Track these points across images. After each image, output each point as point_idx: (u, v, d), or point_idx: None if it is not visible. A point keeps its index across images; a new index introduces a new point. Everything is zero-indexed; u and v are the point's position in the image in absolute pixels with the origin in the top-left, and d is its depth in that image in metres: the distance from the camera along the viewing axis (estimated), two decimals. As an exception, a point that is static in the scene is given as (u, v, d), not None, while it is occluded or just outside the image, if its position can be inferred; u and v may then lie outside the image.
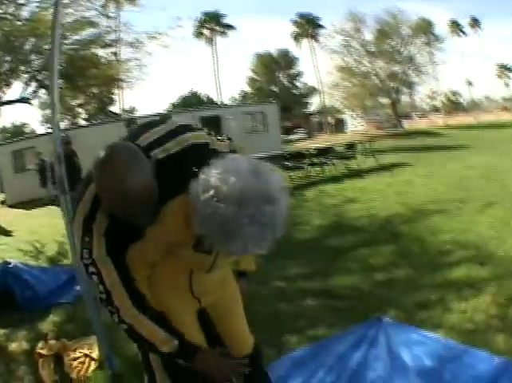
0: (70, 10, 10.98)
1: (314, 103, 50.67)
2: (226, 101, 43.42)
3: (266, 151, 12.83)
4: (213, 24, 43.31)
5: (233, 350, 1.62)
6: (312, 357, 2.61)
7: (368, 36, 34.48)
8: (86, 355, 2.60)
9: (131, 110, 41.71)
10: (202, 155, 1.34)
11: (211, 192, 1.13)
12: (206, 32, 43.58)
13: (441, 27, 53.58)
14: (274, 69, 50.76)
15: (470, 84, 53.80)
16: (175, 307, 1.47)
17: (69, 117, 35.99)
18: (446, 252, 4.63)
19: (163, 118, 1.50)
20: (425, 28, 36.12)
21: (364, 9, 37.09)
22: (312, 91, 50.70)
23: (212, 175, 1.16)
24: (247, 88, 52.41)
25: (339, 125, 42.68)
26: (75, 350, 2.66)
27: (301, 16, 46.47)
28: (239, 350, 1.65)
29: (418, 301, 3.49)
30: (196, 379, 1.47)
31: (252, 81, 51.92)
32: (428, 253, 4.68)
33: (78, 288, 3.61)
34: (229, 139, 1.59)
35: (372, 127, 37.55)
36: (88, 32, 12.87)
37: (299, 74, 51.84)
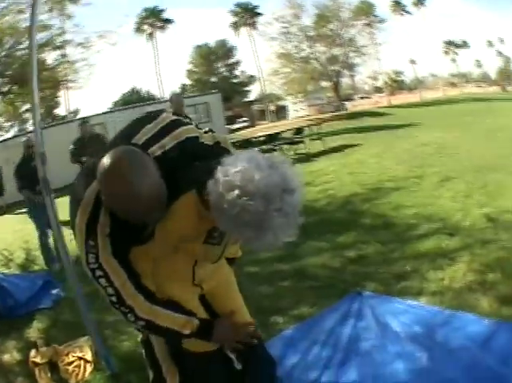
0: (26, 15, 10.93)
1: (254, 91, 54.59)
2: (168, 96, 46.53)
3: None
4: (153, 19, 46.29)
5: None
6: (303, 335, 2.76)
7: (308, 21, 37.42)
8: (80, 358, 2.77)
9: (76, 112, 42.08)
10: (195, 149, 1.56)
11: (237, 191, 1.25)
12: (146, 28, 46.49)
13: (383, 8, 57.47)
14: (213, 60, 54.50)
15: (413, 62, 58.26)
16: (179, 296, 1.62)
17: (18, 123, 36.17)
18: (411, 226, 4.93)
19: (153, 114, 1.62)
20: (366, 10, 39.36)
21: None
22: (251, 79, 54.82)
23: (234, 175, 1.27)
24: (187, 81, 56.06)
25: (280, 112, 45.46)
26: (67, 355, 2.83)
27: (239, 5, 49.67)
28: None
29: (394, 273, 3.70)
30: (201, 366, 1.70)
31: (191, 74, 55.59)
32: (394, 228, 4.96)
33: (55, 292, 4.08)
34: (211, 131, 1.73)
35: (314, 111, 39.74)
36: (40, 35, 12.98)
37: (237, 63, 55.81)
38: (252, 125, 38.35)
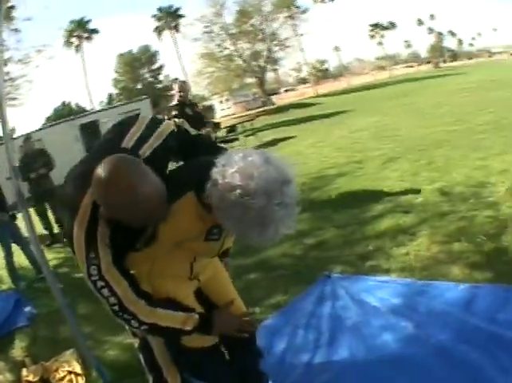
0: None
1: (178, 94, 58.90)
2: (97, 107, 49.93)
3: None
4: (80, 31, 50.61)
5: None
6: (285, 322, 2.90)
7: (229, 18, 41.62)
8: (70, 372, 2.95)
9: (13, 130, 42.01)
10: (181, 141, 1.80)
11: (238, 191, 1.36)
12: (74, 40, 50.71)
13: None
14: (137, 67, 60.42)
15: (337, 49, 62.12)
16: (176, 292, 1.79)
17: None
18: (365, 208, 5.22)
19: (130, 117, 1.80)
20: (287, 2, 42.85)
21: None
22: (175, 83, 56.49)
23: (232, 175, 1.39)
24: (114, 90, 61.79)
25: (208, 112, 48.39)
26: (57, 370, 3.02)
27: (161, 9, 54.64)
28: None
29: (358, 254, 3.90)
30: (200, 365, 1.90)
31: (117, 82, 61.18)
32: (347, 212, 5.22)
33: (27, 310, 4.43)
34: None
35: (240, 108, 42.03)
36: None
37: (161, 68, 62.16)
38: None
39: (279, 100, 43.15)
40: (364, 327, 2.64)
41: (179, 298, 1.77)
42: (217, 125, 14.70)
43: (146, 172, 1.47)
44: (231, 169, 1.41)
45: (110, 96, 62.47)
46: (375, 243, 4.05)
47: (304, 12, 44.96)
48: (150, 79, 61.73)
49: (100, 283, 1.56)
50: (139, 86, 59.40)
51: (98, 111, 29.18)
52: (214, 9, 39.81)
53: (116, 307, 1.58)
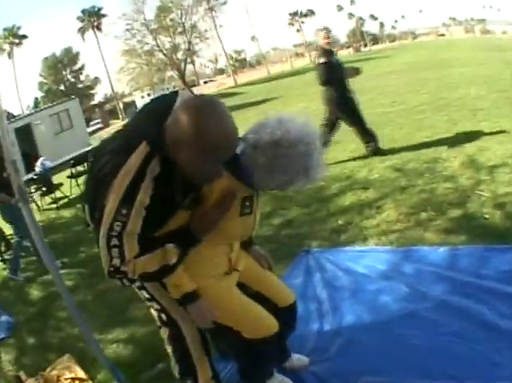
0: None
1: (100, 92, 65.21)
2: (25, 111, 52.35)
3: (80, 147, 15.30)
4: (10, 37, 56.10)
5: (280, 301, 2.19)
6: None
7: (150, 15, 44.61)
8: (74, 379, 2.92)
9: None
10: None
11: (281, 143, 1.66)
12: (6, 47, 56.78)
13: None
14: (60, 69, 66.82)
15: (254, 39, 64.78)
16: (226, 290, 1.97)
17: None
18: (322, 187, 5.55)
19: (162, 98, 1.90)
20: None
21: None
22: (96, 81, 69.55)
23: (271, 134, 1.68)
24: (39, 94, 66.79)
25: (130, 108, 52.13)
26: (59, 379, 2.95)
27: (84, 11, 59.52)
28: (286, 299, 2.22)
29: (329, 229, 4.21)
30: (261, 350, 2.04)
31: (41, 85, 66.87)
32: (306, 192, 5.50)
33: (4, 319, 4.24)
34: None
35: None
36: None
37: (82, 68, 69.05)
38: (106, 126, 43.54)
39: (199, 91, 44.86)
40: (360, 293, 2.93)
41: (235, 299, 1.98)
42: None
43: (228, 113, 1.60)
44: (267, 129, 1.70)
45: (36, 99, 68.23)
46: (343, 218, 4.38)
47: (223, 4, 49.29)
48: (72, 80, 68.20)
49: (115, 242, 1.62)
50: (62, 88, 65.27)
51: (30, 114, 29.79)
52: (135, 6, 43.09)
53: (113, 269, 1.67)
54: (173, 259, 1.71)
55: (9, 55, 56.92)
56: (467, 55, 23.13)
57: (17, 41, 56.98)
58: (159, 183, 1.60)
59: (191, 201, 1.77)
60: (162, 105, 1.74)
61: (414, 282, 2.89)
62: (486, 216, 3.66)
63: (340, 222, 4.32)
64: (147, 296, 2.02)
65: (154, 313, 2.13)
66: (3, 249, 6.76)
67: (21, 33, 57.93)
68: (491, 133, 6.01)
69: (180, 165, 1.61)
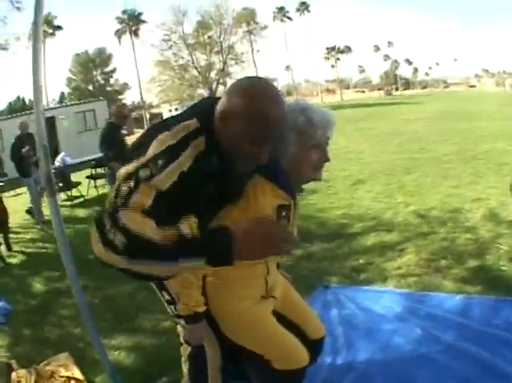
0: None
1: (128, 99, 65.68)
2: (50, 104, 51.18)
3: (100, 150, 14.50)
4: (44, 26, 51.27)
5: (312, 332, 2.11)
6: None
7: (189, 28, 45.61)
8: (69, 378, 2.85)
9: None
10: None
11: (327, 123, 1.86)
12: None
13: (266, 14, 67.01)
14: (91, 68, 66.61)
15: (288, 68, 65.65)
16: (262, 315, 1.90)
17: None
18: (346, 225, 5.73)
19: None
20: (248, 17, 47.27)
21: (187, 2, 52.43)
22: (125, 87, 69.41)
23: (313, 116, 1.83)
24: (66, 89, 67.66)
25: (156, 119, 52.12)
26: (53, 375, 2.88)
27: (125, 12, 58.65)
28: (318, 332, 2.16)
29: (350, 266, 4.35)
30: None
31: (70, 81, 67.25)
32: (330, 227, 5.71)
33: (1, 305, 4.31)
34: None
35: None
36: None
37: (113, 71, 68.74)
38: (130, 133, 43.22)
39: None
40: (375, 332, 3.05)
41: (270, 326, 1.90)
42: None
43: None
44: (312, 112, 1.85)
45: (62, 94, 68.19)
46: (365, 258, 4.52)
47: (263, 28, 49.56)
48: (101, 81, 67.75)
49: (131, 183, 1.41)
50: (90, 87, 64.81)
51: (55, 107, 30.33)
52: (175, 17, 43.73)
53: (108, 209, 1.42)
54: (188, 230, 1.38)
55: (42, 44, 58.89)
56: (496, 109, 23.30)
57: (50, 30, 55.33)
58: (200, 162, 1.45)
59: (228, 194, 1.64)
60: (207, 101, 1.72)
61: (428, 325, 3.01)
62: (503, 268, 3.79)
63: (361, 261, 4.46)
64: (176, 312, 1.90)
65: (180, 329, 2.10)
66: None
67: (56, 23, 56.66)
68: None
69: (224, 143, 1.51)
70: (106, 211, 1.40)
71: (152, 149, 1.44)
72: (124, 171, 1.45)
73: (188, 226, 1.38)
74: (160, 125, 1.63)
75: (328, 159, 1.90)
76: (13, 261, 6.22)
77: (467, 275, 3.83)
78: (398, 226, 5.42)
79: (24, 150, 8.26)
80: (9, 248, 6.56)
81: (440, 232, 4.97)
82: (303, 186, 2.06)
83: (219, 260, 1.41)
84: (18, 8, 12.32)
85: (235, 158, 1.53)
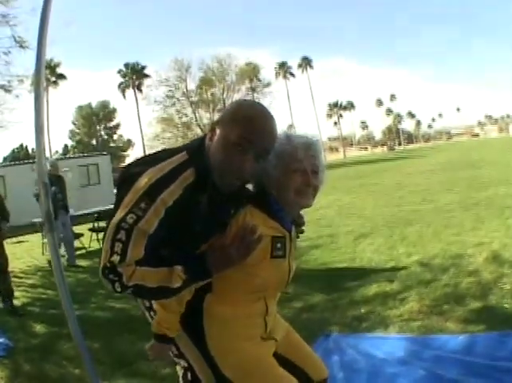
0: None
1: (131, 155, 66.95)
2: (53, 156, 52.36)
3: (102, 204, 14.90)
4: (47, 73, 51.98)
5: (315, 374, 2.10)
6: None
7: (192, 84, 45.72)
8: None
9: None
10: None
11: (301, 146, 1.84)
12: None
13: (269, 71, 69.56)
14: (94, 122, 68.25)
15: (291, 127, 67.83)
16: (263, 357, 1.89)
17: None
18: (348, 277, 5.77)
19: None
20: (251, 73, 47.87)
21: (190, 56, 52.86)
22: (129, 144, 70.63)
23: (295, 138, 1.86)
24: (69, 142, 69.17)
25: None
26: None
27: (127, 65, 59.99)
28: (321, 374, 2.14)
29: (351, 316, 4.38)
30: None
31: (73, 134, 68.91)
32: (331, 280, 5.74)
33: (1, 341, 4.55)
34: None
35: None
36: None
37: (117, 126, 70.66)
38: None
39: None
40: (378, 376, 3.08)
41: (271, 369, 1.86)
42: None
43: None
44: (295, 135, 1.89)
45: (66, 147, 69.32)
46: (366, 307, 4.55)
47: (266, 86, 49.90)
48: (105, 136, 69.41)
49: (122, 235, 1.53)
50: (93, 142, 66.51)
51: (59, 159, 30.82)
52: (178, 72, 44.62)
53: (109, 265, 1.54)
54: (176, 283, 1.59)
55: (44, 91, 58.11)
56: (498, 155, 23.77)
57: (53, 78, 55.54)
58: (188, 193, 1.57)
59: (215, 225, 1.73)
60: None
61: (431, 366, 3.04)
62: (507, 306, 3.83)
63: (362, 310, 4.49)
64: (176, 352, 1.95)
65: (179, 371, 2.08)
66: None
67: (59, 71, 57.26)
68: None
69: (212, 156, 1.64)
70: (107, 267, 1.55)
71: (134, 191, 1.56)
72: (113, 221, 1.57)
73: (177, 277, 1.59)
74: (150, 159, 1.72)
75: (309, 184, 1.84)
76: (15, 302, 6.30)
77: (470, 316, 3.87)
78: (400, 275, 5.47)
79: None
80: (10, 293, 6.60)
81: (443, 279, 5.02)
82: (303, 227, 2.09)
83: (198, 271, 1.65)
84: (21, 45, 12.30)
85: (221, 170, 1.63)
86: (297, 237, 2.03)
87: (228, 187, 1.69)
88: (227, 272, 1.70)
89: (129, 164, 1.80)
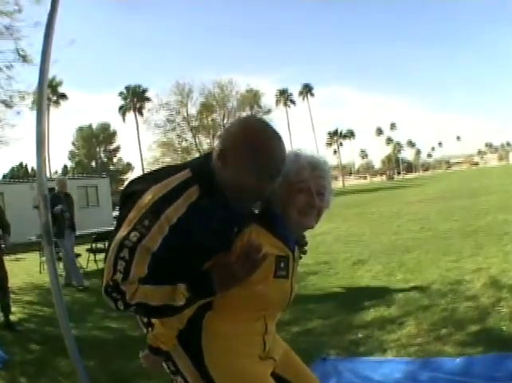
0: None
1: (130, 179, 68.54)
2: (53, 176, 52.90)
3: (100, 226, 15.32)
4: (49, 92, 53.50)
5: None
6: None
7: (193, 110, 46.16)
8: None
9: None
10: None
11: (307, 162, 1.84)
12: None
13: (270, 98, 70.26)
14: (94, 144, 69.49)
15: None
16: (260, 376, 1.88)
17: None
18: (346, 302, 5.81)
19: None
20: (252, 99, 48.29)
21: (191, 81, 52.58)
22: (128, 168, 71.32)
23: (301, 157, 1.86)
24: (69, 163, 70.52)
25: None
26: None
27: (128, 88, 61.05)
28: None
29: (349, 340, 4.40)
30: None
31: (73, 155, 70.13)
32: (329, 305, 5.77)
33: None
34: None
35: None
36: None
37: (117, 149, 71.61)
38: None
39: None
40: (374, 397, 3.09)
41: (258, 379, 1.85)
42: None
43: None
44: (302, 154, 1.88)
45: (65, 167, 70.48)
46: (364, 332, 4.57)
47: (267, 112, 49.89)
48: (104, 159, 70.70)
49: (125, 254, 1.53)
50: (93, 164, 68.00)
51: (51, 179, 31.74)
52: (179, 97, 44.95)
53: (112, 284, 1.54)
54: (180, 302, 1.60)
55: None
56: (497, 183, 24.03)
57: (54, 98, 55.83)
58: (193, 211, 1.57)
59: (219, 243, 1.72)
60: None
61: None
62: (504, 329, 3.88)
63: (360, 334, 4.51)
64: (173, 368, 1.93)
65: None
66: None
67: (61, 90, 57.49)
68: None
69: (226, 182, 1.63)
70: (109, 286, 1.55)
71: (137, 208, 1.57)
72: (117, 238, 1.56)
73: (181, 295, 1.59)
74: (153, 176, 1.75)
75: (313, 205, 1.83)
76: (12, 318, 6.32)
77: (468, 339, 3.91)
78: (398, 301, 5.49)
79: (56, 209, 8.23)
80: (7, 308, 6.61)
81: (441, 304, 5.06)
82: (305, 248, 2.08)
83: (202, 289, 1.64)
84: (25, 59, 12.21)
85: (239, 194, 1.65)
86: (300, 258, 2.02)
87: (246, 208, 1.76)
88: (230, 290, 1.69)
89: (132, 181, 1.84)
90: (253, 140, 1.63)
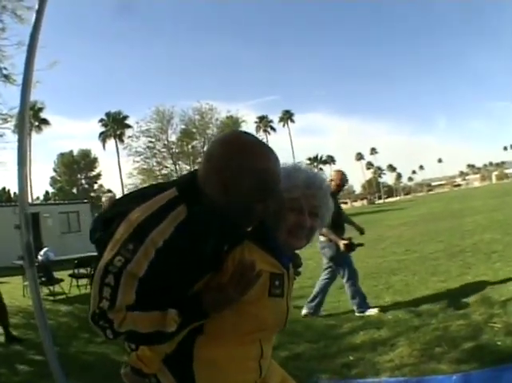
0: None
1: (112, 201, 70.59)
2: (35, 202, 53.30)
3: (82, 251, 14.87)
4: (31, 116, 53.73)
5: None
6: None
7: (173, 136, 46.91)
8: None
9: None
10: None
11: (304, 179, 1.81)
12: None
13: (250, 125, 71.88)
14: (75, 170, 71.23)
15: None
16: None
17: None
18: (333, 326, 5.87)
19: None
20: (232, 126, 48.38)
21: (171, 107, 50.49)
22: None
23: (297, 175, 1.82)
24: (50, 189, 71.81)
25: None
26: None
27: (109, 115, 62.25)
28: None
29: (340, 363, 4.43)
30: None
31: (54, 181, 71.62)
32: (316, 329, 5.78)
33: None
34: None
35: None
36: None
37: (99, 176, 73.47)
38: None
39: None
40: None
41: None
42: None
43: None
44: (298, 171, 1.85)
45: (47, 193, 72.04)
46: (355, 355, 4.61)
47: None
48: (85, 186, 72.68)
49: (110, 280, 1.51)
50: (74, 191, 69.67)
51: (40, 204, 32.83)
52: (160, 124, 45.85)
53: (99, 312, 1.53)
54: (171, 328, 1.57)
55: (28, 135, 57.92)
56: (481, 203, 24.57)
57: (36, 123, 56.29)
58: (181, 232, 1.54)
59: (209, 263, 1.69)
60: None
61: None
62: (499, 343, 3.96)
63: (351, 357, 4.54)
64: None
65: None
66: None
67: (43, 116, 58.01)
68: (504, 272, 6.48)
69: (224, 206, 1.61)
70: (96, 314, 1.53)
71: (121, 231, 1.54)
72: (101, 264, 1.55)
73: (172, 321, 1.56)
74: (136, 195, 1.75)
75: (303, 226, 1.80)
76: None
77: (463, 356, 3.99)
78: (388, 323, 5.56)
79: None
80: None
81: (432, 323, 5.15)
82: (300, 269, 2.04)
83: (194, 313, 1.62)
84: (7, 79, 12.00)
85: (240, 220, 1.67)
86: (294, 278, 1.98)
87: (243, 229, 1.77)
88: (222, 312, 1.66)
89: (115, 202, 1.84)
90: (250, 164, 1.61)
